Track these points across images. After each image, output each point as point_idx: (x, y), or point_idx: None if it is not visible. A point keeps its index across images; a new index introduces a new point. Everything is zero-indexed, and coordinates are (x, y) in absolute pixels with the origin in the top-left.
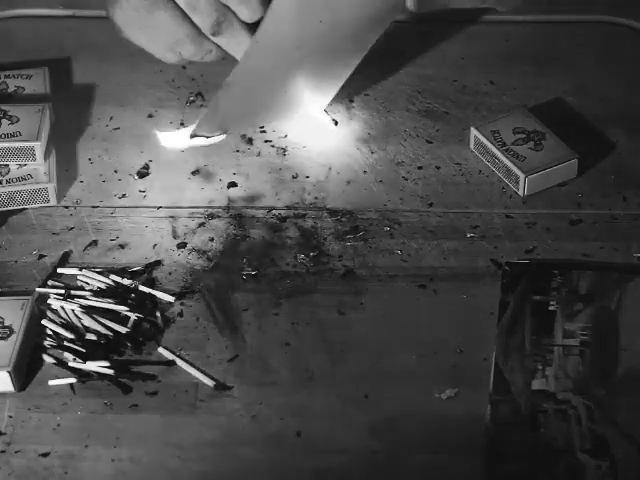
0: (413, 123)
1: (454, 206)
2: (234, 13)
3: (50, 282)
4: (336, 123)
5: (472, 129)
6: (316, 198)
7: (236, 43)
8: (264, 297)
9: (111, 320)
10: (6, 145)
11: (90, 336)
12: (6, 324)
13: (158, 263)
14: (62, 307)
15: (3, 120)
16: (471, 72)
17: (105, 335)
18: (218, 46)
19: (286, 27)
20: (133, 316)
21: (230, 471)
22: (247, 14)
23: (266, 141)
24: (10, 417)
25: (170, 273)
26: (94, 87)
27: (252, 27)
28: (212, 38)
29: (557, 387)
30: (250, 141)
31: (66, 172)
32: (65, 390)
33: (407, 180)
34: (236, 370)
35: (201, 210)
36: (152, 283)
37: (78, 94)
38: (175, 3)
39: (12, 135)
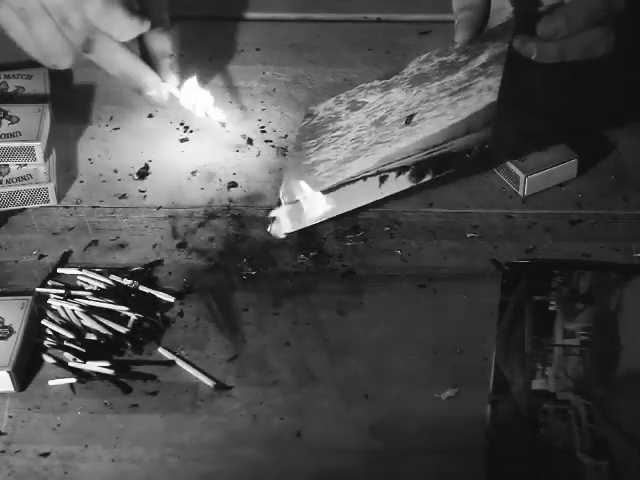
0: None
1: (454, 206)
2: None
3: (50, 282)
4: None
5: None
6: None
7: (110, 60)
8: (264, 297)
9: (111, 320)
10: (6, 145)
11: (90, 336)
12: (6, 324)
13: (158, 263)
14: (62, 307)
15: (3, 120)
16: None
17: (105, 335)
18: None
19: None
20: (133, 316)
21: (230, 471)
22: (116, 35)
23: (266, 141)
24: (10, 417)
25: (170, 273)
26: (94, 87)
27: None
28: (84, 55)
29: (557, 387)
30: (250, 141)
31: (66, 172)
32: (65, 390)
33: None
34: (236, 370)
35: (201, 210)
36: (152, 283)
37: (78, 94)
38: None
39: (12, 135)
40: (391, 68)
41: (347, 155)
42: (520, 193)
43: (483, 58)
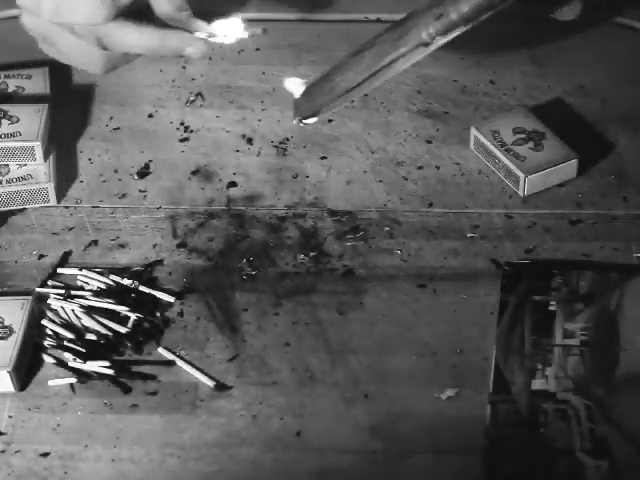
0: (413, 123)
1: (454, 206)
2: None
3: (50, 282)
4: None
5: (472, 129)
6: (316, 198)
7: (130, 43)
8: (264, 297)
9: (111, 320)
10: (6, 145)
11: (90, 336)
12: (6, 324)
13: (158, 263)
14: (62, 307)
15: (3, 120)
16: (471, 72)
17: (105, 335)
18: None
19: None
20: (133, 316)
21: (230, 471)
22: (85, 20)
23: (266, 141)
24: (10, 417)
25: (170, 273)
26: (94, 87)
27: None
28: (104, 49)
29: (557, 387)
30: (250, 141)
31: (66, 172)
32: (65, 390)
33: (407, 180)
34: (236, 370)
35: (201, 210)
36: (152, 283)
37: (78, 94)
38: None
39: (12, 135)
40: None
41: None
42: (520, 193)
43: None
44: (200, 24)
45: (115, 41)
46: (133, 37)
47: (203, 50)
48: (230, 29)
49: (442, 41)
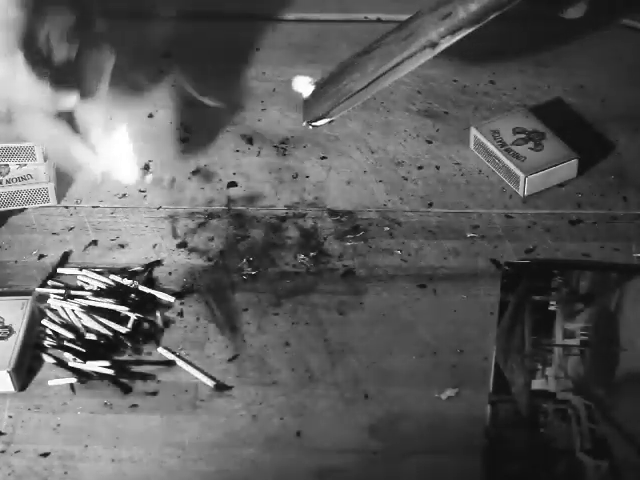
0: (413, 123)
1: (454, 206)
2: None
3: (50, 282)
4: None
5: (472, 129)
6: (316, 198)
7: (35, 132)
8: (264, 297)
9: (111, 320)
10: (6, 145)
11: (90, 336)
12: (6, 324)
13: (158, 263)
14: (62, 307)
15: None
16: (471, 72)
17: (105, 335)
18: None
19: None
20: (133, 316)
21: (230, 471)
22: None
23: (266, 141)
24: (10, 417)
25: (170, 273)
26: None
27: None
28: (7, 127)
29: (557, 387)
30: (250, 141)
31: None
32: (65, 390)
33: (407, 180)
34: (236, 370)
35: (201, 210)
36: (152, 283)
37: None
38: None
39: None
40: None
41: None
42: (520, 193)
43: None
44: (102, 159)
45: (25, 121)
46: (43, 127)
47: (93, 183)
48: (128, 175)
49: (449, 42)
